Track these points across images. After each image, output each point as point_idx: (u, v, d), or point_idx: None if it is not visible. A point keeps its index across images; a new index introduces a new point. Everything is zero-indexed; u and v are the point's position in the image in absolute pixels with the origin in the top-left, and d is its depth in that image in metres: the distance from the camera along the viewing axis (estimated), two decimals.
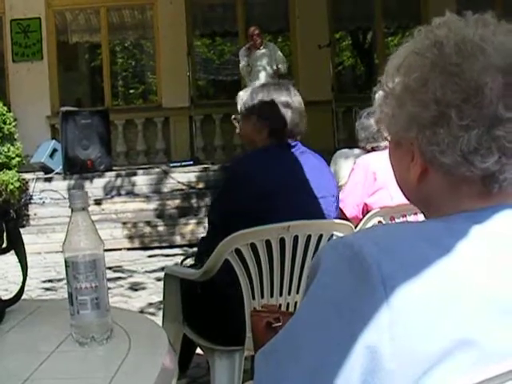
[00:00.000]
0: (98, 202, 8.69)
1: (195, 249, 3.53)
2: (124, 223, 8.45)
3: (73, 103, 11.03)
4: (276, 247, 2.54)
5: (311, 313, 0.92)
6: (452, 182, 0.97)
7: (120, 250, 7.91)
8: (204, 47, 13.71)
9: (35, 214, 8.76)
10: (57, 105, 11.33)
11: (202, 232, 7.51)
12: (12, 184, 8.64)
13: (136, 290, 5.95)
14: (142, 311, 4.94)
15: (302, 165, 2.72)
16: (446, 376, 0.83)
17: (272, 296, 2.58)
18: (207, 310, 2.71)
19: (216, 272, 2.57)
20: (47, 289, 5.98)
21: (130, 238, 8.32)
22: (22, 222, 8.51)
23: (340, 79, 13.07)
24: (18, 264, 1.62)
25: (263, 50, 10.21)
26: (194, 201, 8.99)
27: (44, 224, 8.48)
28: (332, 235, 2.62)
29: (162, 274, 3.15)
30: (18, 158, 9.27)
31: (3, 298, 1.59)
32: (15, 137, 9.49)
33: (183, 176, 9.41)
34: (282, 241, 2.55)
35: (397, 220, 3.15)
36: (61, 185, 9.01)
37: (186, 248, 7.97)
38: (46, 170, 9.49)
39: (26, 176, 9.11)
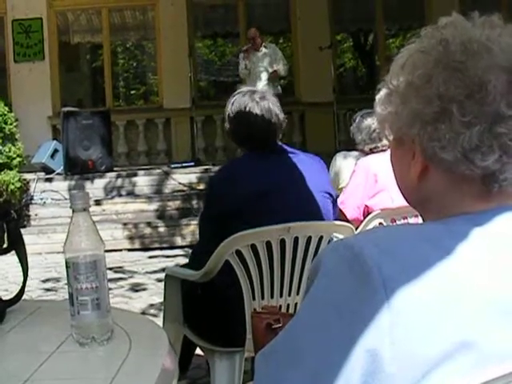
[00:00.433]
0: (98, 203, 8.69)
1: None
2: (125, 224, 8.45)
3: (74, 104, 11.03)
4: (276, 248, 2.54)
5: (311, 314, 0.92)
6: (452, 180, 0.97)
7: (121, 250, 7.91)
8: (205, 48, 13.71)
9: (36, 215, 8.76)
10: (58, 105, 11.33)
11: None
12: (13, 184, 8.64)
13: (137, 290, 5.94)
14: (142, 312, 4.94)
15: (290, 165, 2.73)
16: (445, 379, 0.83)
17: (272, 297, 2.58)
18: (208, 311, 2.71)
19: (216, 273, 2.57)
20: (48, 289, 5.97)
21: (131, 238, 8.32)
22: (23, 222, 8.51)
23: (341, 81, 13.06)
24: (19, 264, 1.63)
25: (264, 51, 10.19)
26: (194, 202, 8.99)
27: (45, 224, 8.48)
28: (332, 237, 2.62)
29: (162, 275, 3.15)
30: (19, 159, 9.27)
31: (4, 298, 1.59)
32: (16, 137, 9.49)
33: (184, 177, 9.41)
34: (283, 242, 2.55)
35: (398, 222, 3.15)
36: (62, 185, 9.01)
37: (186, 249, 7.96)
38: (47, 170, 9.49)
39: (27, 176, 9.11)
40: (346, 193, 3.53)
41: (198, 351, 3.02)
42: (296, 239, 2.57)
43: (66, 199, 8.40)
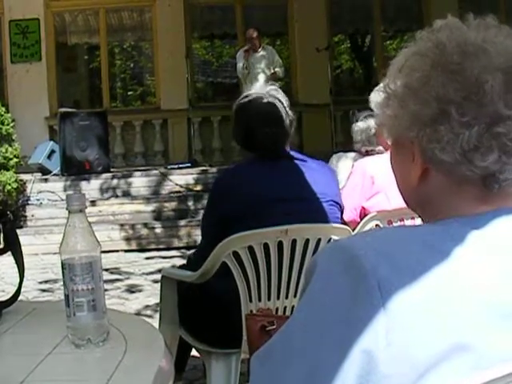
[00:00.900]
0: (95, 204, 8.68)
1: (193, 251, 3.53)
2: (121, 225, 8.44)
3: (71, 104, 11.03)
4: (274, 250, 2.54)
5: (307, 316, 0.92)
6: (452, 182, 0.98)
7: (117, 251, 7.91)
8: (202, 49, 13.70)
9: (33, 215, 8.75)
10: (55, 106, 11.33)
11: (199, 234, 7.50)
12: (9, 185, 8.64)
13: (133, 292, 5.94)
14: (138, 313, 4.94)
15: (298, 172, 2.71)
16: (442, 381, 0.83)
17: (269, 299, 2.57)
18: (204, 312, 2.71)
19: (213, 274, 2.57)
20: (44, 290, 5.97)
21: (128, 239, 8.32)
22: (20, 223, 8.50)
23: (338, 82, 13.07)
24: (15, 265, 1.62)
25: (262, 53, 10.20)
26: (191, 203, 8.99)
27: (41, 225, 8.47)
28: (330, 239, 2.62)
29: (159, 276, 3.15)
30: (15, 159, 9.26)
31: (0, 299, 1.59)
32: (13, 138, 9.47)
33: (181, 178, 9.41)
34: (280, 244, 2.54)
35: (394, 224, 3.15)
36: (58, 186, 9.01)
37: (183, 250, 7.96)
38: (44, 171, 9.49)
39: (24, 177, 9.11)
40: (342, 194, 3.53)
41: (194, 352, 3.02)
42: (294, 241, 2.56)
43: (62, 200, 8.39)
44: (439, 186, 0.99)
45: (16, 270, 1.62)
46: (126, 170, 10.01)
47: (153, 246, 8.27)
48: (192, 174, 9.50)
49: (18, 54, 11.48)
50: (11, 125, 9.53)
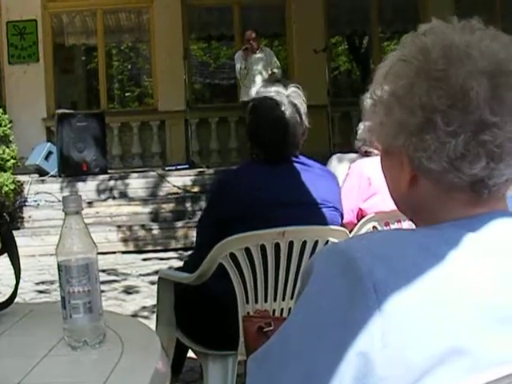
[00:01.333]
0: (92, 205, 8.67)
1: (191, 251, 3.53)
2: (119, 226, 8.44)
3: (68, 106, 11.04)
4: (271, 252, 2.53)
5: (304, 318, 0.92)
6: (441, 189, 0.97)
7: (115, 253, 7.90)
8: (200, 51, 13.70)
9: (30, 217, 8.74)
10: (52, 107, 11.32)
11: None
12: (7, 186, 8.63)
13: (130, 293, 5.94)
14: (135, 315, 4.94)
15: (302, 178, 2.70)
16: (438, 383, 0.83)
17: (266, 301, 2.57)
18: (201, 314, 2.70)
19: (210, 276, 2.57)
20: (41, 291, 5.97)
21: (125, 241, 8.31)
22: (17, 224, 8.49)
23: (336, 84, 13.06)
24: (12, 267, 1.62)
25: (260, 55, 10.21)
26: (188, 204, 8.98)
27: (38, 226, 8.46)
28: (327, 241, 2.62)
29: (156, 278, 3.14)
30: (13, 160, 9.25)
31: None
32: (10, 139, 9.46)
33: (178, 179, 9.40)
34: (277, 246, 2.54)
35: (391, 225, 3.15)
36: (55, 187, 9.00)
37: (180, 252, 7.96)
38: (41, 172, 9.48)
39: (21, 178, 9.10)
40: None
41: (191, 354, 3.02)
42: (291, 244, 2.56)
43: (59, 201, 8.32)
44: (429, 192, 0.99)
45: (13, 271, 1.61)
46: (124, 171, 10.01)
47: (150, 248, 8.27)
48: (189, 175, 9.50)
49: (16, 55, 11.47)
50: (8, 126, 9.52)
